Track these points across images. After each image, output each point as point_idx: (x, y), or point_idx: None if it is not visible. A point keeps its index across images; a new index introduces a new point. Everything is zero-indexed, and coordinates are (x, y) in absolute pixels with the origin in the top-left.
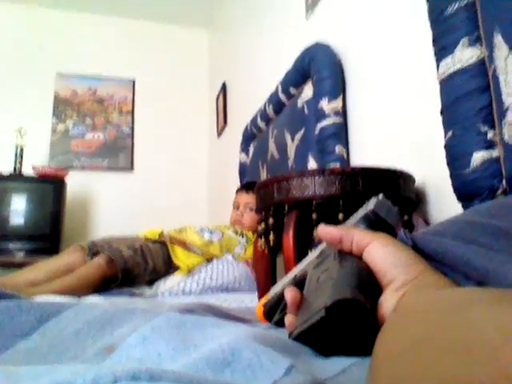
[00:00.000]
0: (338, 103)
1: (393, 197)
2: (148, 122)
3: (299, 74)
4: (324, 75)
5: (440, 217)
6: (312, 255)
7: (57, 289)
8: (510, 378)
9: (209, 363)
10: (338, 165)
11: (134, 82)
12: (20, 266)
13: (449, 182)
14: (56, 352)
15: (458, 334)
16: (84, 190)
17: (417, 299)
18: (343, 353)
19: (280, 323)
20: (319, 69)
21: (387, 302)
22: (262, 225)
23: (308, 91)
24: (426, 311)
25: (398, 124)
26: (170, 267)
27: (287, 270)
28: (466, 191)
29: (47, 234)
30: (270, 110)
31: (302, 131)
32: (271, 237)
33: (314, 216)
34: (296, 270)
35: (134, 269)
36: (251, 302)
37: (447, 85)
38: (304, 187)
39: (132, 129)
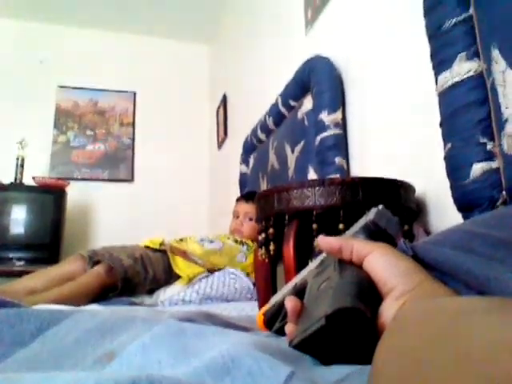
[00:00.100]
0: (337, 115)
1: (393, 207)
2: (149, 133)
3: (299, 87)
4: (324, 88)
5: (440, 227)
6: (312, 265)
7: (56, 297)
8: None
9: (209, 371)
10: (337, 176)
11: (135, 95)
12: (20, 274)
13: (449, 192)
14: (56, 360)
15: (456, 341)
16: (84, 200)
17: (416, 308)
18: (343, 361)
19: (280, 332)
20: (319, 81)
21: (387, 311)
22: (263, 234)
23: (308, 103)
24: (426, 320)
25: (397, 135)
26: (170, 276)
27: (287, 279)
28: (466, 202)
29: (47, 243)
30: (270, 122)
31: (302, 143)
32: (271, 246)
33: (315, 226)
34: (296, 280)
35: (134, 278)
36: (251, 310)
37: (446, 97)
38: (304, 197)
39: (133, 140)
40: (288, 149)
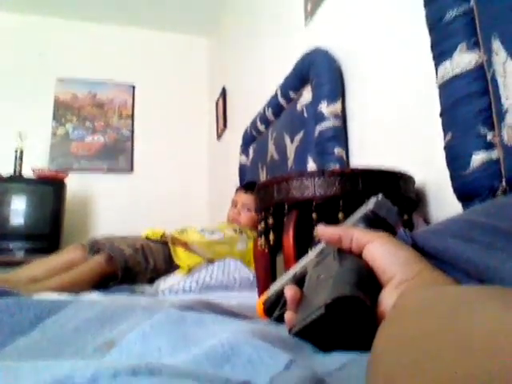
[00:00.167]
0: (336, 106)
1: (393, 197)
2: (148, 125)
3: (298, 79)
4: (323, 80)
5: (440, 217)
6: (312, 254)
7: (56, 285)
8: (509, 372)
9: (208, 358)
10: (337, 166)
11: (134, 87)
12: (20, 265)
13: (449, 182)
14: (56, 348)
15: (457, 329)
16: (84, 191)
17: (416, 296)
18: (343, 349)
19: (280, 320)
20: (318, 73)
21: (387, 299)
22: (262, 224)
23: (307, 95)
24: (426, 308)
25: (397, 126)
26: (170, 266)
27: (287, 269)
28: (465, 191)
29: (47, 233)
30: (269, 114)
31: (301, 133)
32: (271, 236)
33: (314, 216)
34: (296, 268)
35: (134, 267)
36: (251, 299)
37: (446, 88)
38: (304, 188)
39: (132, 132)
40: (287, 139)
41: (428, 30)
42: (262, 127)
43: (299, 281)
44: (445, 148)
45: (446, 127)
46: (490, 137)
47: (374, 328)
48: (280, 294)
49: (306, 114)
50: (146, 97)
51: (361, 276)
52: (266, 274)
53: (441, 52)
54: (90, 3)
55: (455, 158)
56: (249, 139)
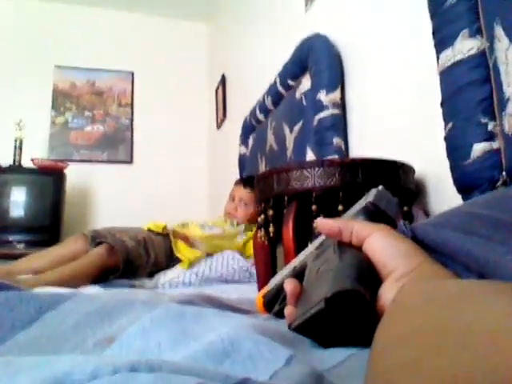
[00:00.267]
0: (336, 95)
1: (393, 188)
2: (147, 114)
3: (297, 66)
4: (322, 67)
5: (440, 208)
6: (311, 247)
7: (56, 279)
8: (510, 366)
9: (209, 354)
10: (336, 157)
11: (132, 74)
12: (20, 257)
13: (449, 173)
14: (55, 343)
15: (457, 323)
16: (84, 182)
17: (416, 291)
18: (343, 344)
19: (280, 314)
20: (317, 60)
21: (387, 293)
22: (262, 216)
23: (306, 83)
24: (426, 302)
25: (397, 116)
26: (171, 260)
27: (287, 261)
28: (466, 182)
29: (47, 225)
30: (268, 102)
31: (300, 123)
32: (271, 228)
33: (314, 207)
34: (295, 262)
35: (135, 260)
36: (251, 293)
37: (447, 76)
38: (304, 179)
39: (131, 121)
40: (286, 129)
41: (430, 16)
42: (261, 116)
43: (299, 274)
44: (445, 138)
45: (447, 117)
46: (491, 126)
47: (374, 322)
48: (280, 288)
49: (304, 103)
50: (146, 84)
51: (361, 270)
52: (265, 267)
53: (442, 38)
54: None
55: (455, 149)
56: (248, 129)
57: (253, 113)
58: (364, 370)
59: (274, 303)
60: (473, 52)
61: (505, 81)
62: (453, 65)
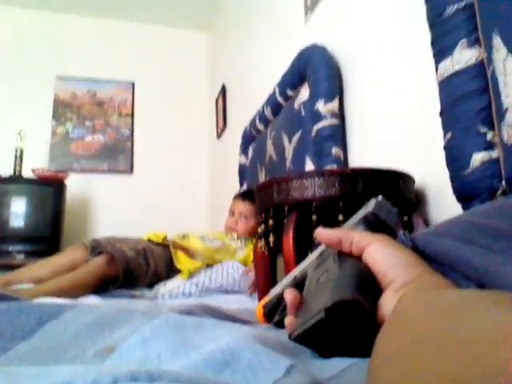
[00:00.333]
0: (334, 105)
1: (393, 198)
2: (148, 124)
3: (295, 76)
4: (320, 77)
5: (440, 218)
6: (312, 256)
7: (55, 289)
8: (509, 374)
9: (208, 364)
10: (334, 166)
11: (133, 85)
12: (19, 267)
13: (448, 182)
14: (56, 353)
15: (456, 332)
16: (84, 192)
17: (416, 300)
18: (343, 354)
19: (280, 324)
20: (315, 70)
21: (387, 303)
22: (262, 226)
23: (304, 93)
24: (426, 312)
25: (397, 125)
26: (171, 271)
27: (287, 271)
28: (465, 192)
29: (47, 236)
30: (268, 112)
31: (299, 133)
32: (271, 238)
33: (314, 217)
34: (296, 272)
35: (135, 270)
36: (251, 303)
37: (446, 86)
38: (304, 188)
39: (132, 131)
40: (285, 139)
41: (428, 26)
42: (261, 126)
43: (299, 284)
44: (445, 148)
45: (446, 126)
46: (490, 136)
47: (374, 332)
48: (280, 298)
49: (303, 113)
50: (146, 94)
51: (361, 279)
52: (266, 277)
53: (441, 48)
54: None
55: (455, 158)
56: (248, 139)
57: (253, 123)
58: (364, 379)
59: (274, 313)
60: (471, 62)
61: (503, 91)
62: (451, 75)
